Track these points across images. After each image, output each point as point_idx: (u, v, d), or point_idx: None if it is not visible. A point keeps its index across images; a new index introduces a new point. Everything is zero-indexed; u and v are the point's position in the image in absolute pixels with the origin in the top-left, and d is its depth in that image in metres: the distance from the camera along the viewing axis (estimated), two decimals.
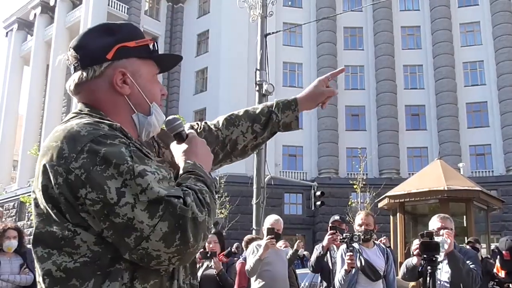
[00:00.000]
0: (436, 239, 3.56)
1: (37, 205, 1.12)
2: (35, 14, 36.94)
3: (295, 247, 6.25)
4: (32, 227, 1.16)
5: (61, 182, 1.04)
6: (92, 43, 1.21)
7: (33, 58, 36.14)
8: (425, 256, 3.47)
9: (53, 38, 34.55)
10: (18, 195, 30.80)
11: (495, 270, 6.06)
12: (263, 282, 4.57)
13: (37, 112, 35.86)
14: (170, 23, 35.21)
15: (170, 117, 1.33)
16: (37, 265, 1.10)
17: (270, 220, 4.84)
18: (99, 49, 1.20)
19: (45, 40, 36.07)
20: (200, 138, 1.33)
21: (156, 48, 1.29)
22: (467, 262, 3.66)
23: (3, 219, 5.79)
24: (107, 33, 1.23)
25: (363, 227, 4.34)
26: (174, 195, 1.05)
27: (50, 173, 1.06)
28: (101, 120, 1.13)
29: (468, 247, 6.04)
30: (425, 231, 3.60)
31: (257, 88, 11.17)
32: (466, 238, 7.60)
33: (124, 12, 33.48)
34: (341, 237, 4.38)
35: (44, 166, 1.07)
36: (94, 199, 1.02)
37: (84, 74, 1.20)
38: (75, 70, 1.22)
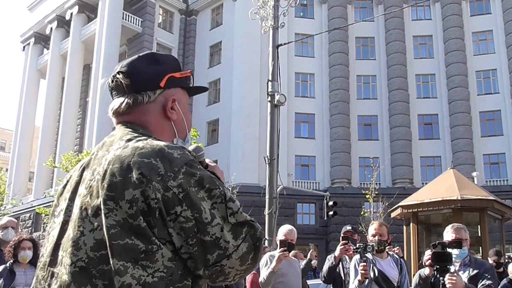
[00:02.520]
0: (451, 251, 3.51)
1: (108, 215, 1.11)
2: (51, 28, 37.62)
3: (308, 256, 6.23)
4: None
5: (159, 198, 1.09)
6: (144, 70, 1.32)
7: (49, 71, 36.75)
8: (437, 266, 3.43)
9: (68, 51, 35.13)
10: (34, 206, 31.09)
11: None
12: None
13: (53, 124, 36.39)
14: (183, 35, 35.59)
15: (195, 146, 1.41)
16: (110, 277, 1.08)
17: (284, 230, 4.80)
18: (152, 76, 1.31)
19: (61, 54, 36.69)
20: (220, 169, 1.40)
21: (192, 80, 1.42)
22: (485, 275, 3.56)
23: (19, 230, 5.89)
24: (156, 62, 1.34)
25: (376, 237, 4.30)
26: (253, 219, 1.20)
27: (148, 187, 1.09)
28: (181, 146, 1.22)
29: (491, 261, 5.90)
30: (437, 241, 3.56)
31: (269, 98, 11.24)
32: (480, 248, 7.51)
33: (138, 25, 33.95)
34: (355, 248, 4.36)
35: (140, 180, 1.10)
36: (188, 217, 1.10)
37: (140, 98, 1.30)
38: (124, 93, 1.31)
